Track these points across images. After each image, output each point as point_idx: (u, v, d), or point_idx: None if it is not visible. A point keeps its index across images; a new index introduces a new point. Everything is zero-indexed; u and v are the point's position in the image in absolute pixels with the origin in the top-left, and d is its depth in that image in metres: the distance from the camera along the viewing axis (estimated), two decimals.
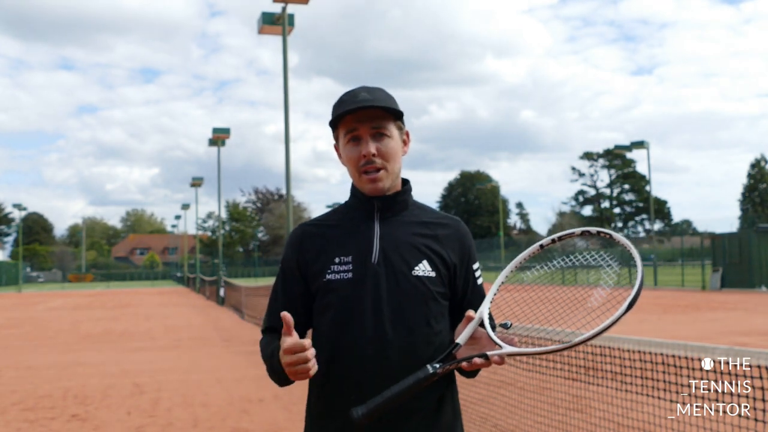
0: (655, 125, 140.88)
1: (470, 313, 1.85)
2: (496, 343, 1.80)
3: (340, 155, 2.09)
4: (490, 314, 1.90)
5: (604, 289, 1.86)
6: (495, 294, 1.94)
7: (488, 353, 1.78)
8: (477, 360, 1.78)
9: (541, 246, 1.97)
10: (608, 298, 1.84)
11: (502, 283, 1.98)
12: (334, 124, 2.03)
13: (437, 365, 1.78)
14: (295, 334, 1.80)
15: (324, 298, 1.97)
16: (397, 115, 2.02)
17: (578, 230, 1.93)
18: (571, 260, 2.01)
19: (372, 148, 1.97)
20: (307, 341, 1.79)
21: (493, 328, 1.87)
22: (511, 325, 1.86)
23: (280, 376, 1.90)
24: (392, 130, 2.02)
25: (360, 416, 1.73)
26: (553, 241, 1.95)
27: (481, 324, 1.85)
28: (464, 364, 1.79)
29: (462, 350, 1.83)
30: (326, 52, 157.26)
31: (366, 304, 1.92)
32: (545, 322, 1.99)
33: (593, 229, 1.89)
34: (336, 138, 2.08)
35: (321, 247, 2.02)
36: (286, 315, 1.79)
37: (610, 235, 1.86)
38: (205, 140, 43.15)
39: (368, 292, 1.93)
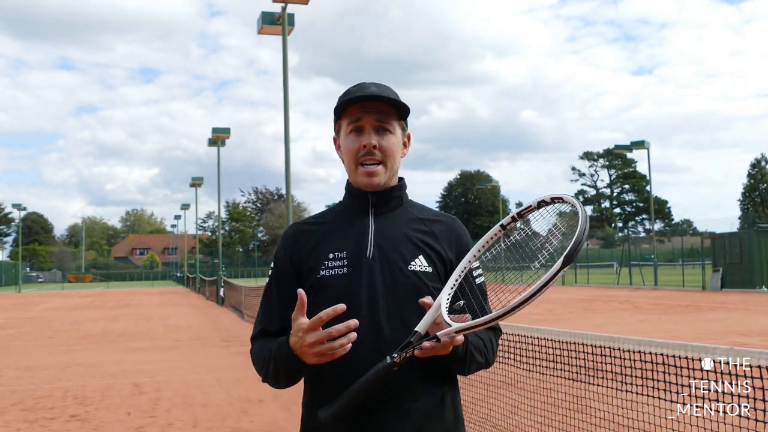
0: (656, 125, 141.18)
1: (427, 299, 1.81)
2: (448, 324, 1.76)
3: (338, 147, 2.07)
4: (455, 299, 1.86)
5: (550, 241, 1.82)
6: (456, 280, 1.89)
7: (438, 334, 1.75)
8: (426, 344, 1.75)
9: (503, 226, 1.93)
10: (552, 250, 1.79)
11: (465, 267, 1.92)
12: (339, 112, 2.00)
13: (395, 354, 1.75)
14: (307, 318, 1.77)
15: (318, 294, 1.93)
16: (403, 114, 2.01)
17: (534, 202, 1.87)
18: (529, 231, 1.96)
19: (374, 140, 1.95)
20: (341, 306, 1.73)
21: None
22: (463, 305, 1.81)
23: (288, 369, 1.86)
24: (396, 127, 2.01)
25: (325, 417, 1.71)
26: (513, 218, 1.91)
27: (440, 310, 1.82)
28: (416, 351, 1.75)
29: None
30: (326, 52, 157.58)
31: (361, 299, 1.90)
32: (497, 275, 1.99)
33: (547, 197, 1.84)
34: (337, 130, 2.06)
35: (314, 244, 2.00)
36: (301, 292, 1.76)
37: (561, 199, 1.80)
38: (204, 140, 43.08)
39: (363, 287, 1.91)
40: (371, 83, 2.02)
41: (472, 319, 1.76)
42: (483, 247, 1.95)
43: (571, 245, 1.65)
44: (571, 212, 1.77)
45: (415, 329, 1.79)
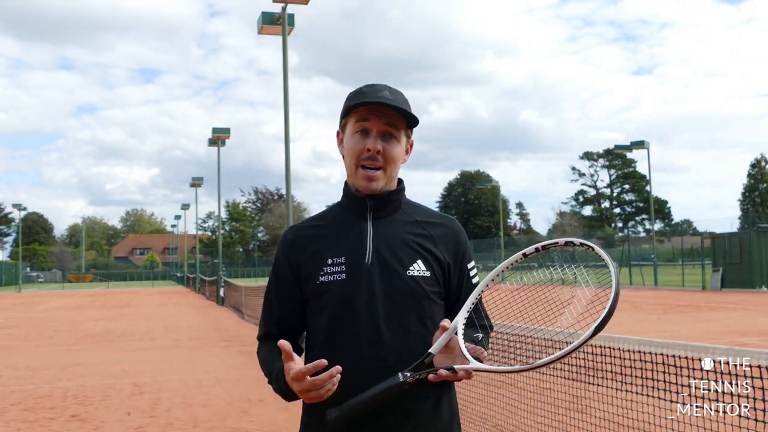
0: (656, 125, 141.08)
1: (445, 322, 1.82)
2: (465, 357, 1.79)
3: (340, 142, 2.06)
4: (471, 319, 1.90)
5: (579, 299, 1.83)
6: (473, 304, 1.92)
7: (456, 367, 1.78)
8: (443, 372, 1.77)
9: (524, 255, 1.94)
10: (582, 311, 1.81)
11: (482, 291, 1.95)
12: (348, 111, 1.99)
13: (408, 374, 1.79)
14: (297, 359, 1.79)
15: (318, 300, 1.95)
16: (411, 123, 2.00)
17: (562, 240, 1.89)
18: (552, 271, 1.99)
19: (378, 145, 1.94)
20: (322, 362, 1.74)
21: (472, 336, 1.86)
22: (481, 338, 1.85)
23: (289, 396, 1.88)
24: (401, 135, 2.00)
25: (333, 419, 1.76)
26: (537, 250, 1.92)
27: (457, 334, 1.84)
28: (431, 376, 1.78)
29: (437, 358, 1.82)
30: (326, 52, 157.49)
31: (360, 304, 1.90)
32: (523, 321, 1.99)
33: (576, 240, 1.86)
34: (343, 126, 2.05)
35: (313, 249, 2.00)
36: (284, 344, 1.77)
37: (593, 248, 1.81)
38: (204, 140, 43.14)
39: (362, 292, 1.91)
40: (384, 86, 2.00)
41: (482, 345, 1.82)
42: (502, 271, 1.96)
43: (603, 315, 1.65)
44: (598, 264, 1.81)
45: (429, 351, 1.81)
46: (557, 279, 1.96)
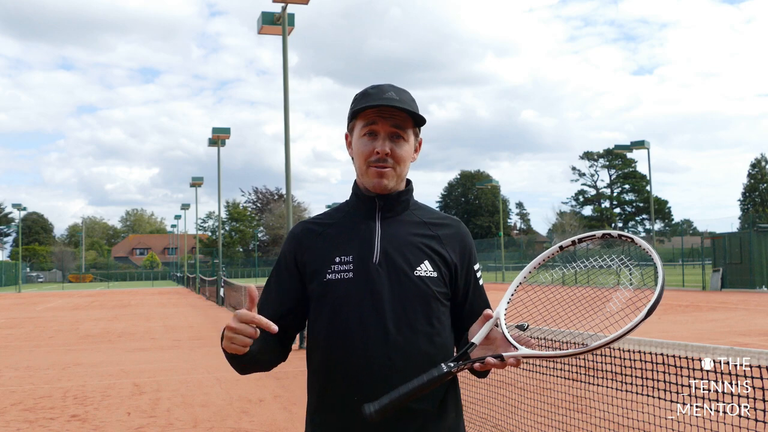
0: (656, 125, 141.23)
1: (488, 312, 1.82)
2: (512, 345, 1.77)
3: (349, 145, 2.06)
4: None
5: (623, 291, 1.84)
6: (512, 294, 1.92)
7: (504, 354, 1.76)
8: (490, 359, 1.75)
9: (561, 247, 1.94)
10: (628, 302, 1.81)
11: (520, 283, 1.95)
12: (354, 114, 1.99)
13: (452, 364, 1.76)
14: (254, 309, 1.76)
15: (324, 299, 1.95)
16: (418, 122, 2.00)
17: (599, 233, 1.89)
18: (590, 263, 1.99)
19: (387, 147, 1.95)
20: (273, 327, 1.72)
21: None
22: (527, 326, 1.82)
23: (227, 355, 1.86)
24: (410, 135, 2.00)
25: (372, 412, 1.69)
26: (573, 243, 1.93)
27: (498, 324, 1.83)
28: (477, 364, 1.76)
29: (476, 350, 1.81)
30: (326, 52, 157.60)
31: (367, 304, 1.90)
32: (563, 324, 1.96)
33: (614, 233, 1.86)
34: (350, 128, 2.05)
35: (321, 247, 2.00)
36: (251, 288, 1.76)
37: (632, 239, 1.81)
38: (204, 140, 43.17)
39: (369, 292, 1.91)
40: (389, 86, 2.00)
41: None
42: (539, 264, 1.96)
43: (655, 297, 1.66)
44: (643, 253, 1.81)
45: (472, 341, 1.81)
46: (596, 278, 1.96)
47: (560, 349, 1.77)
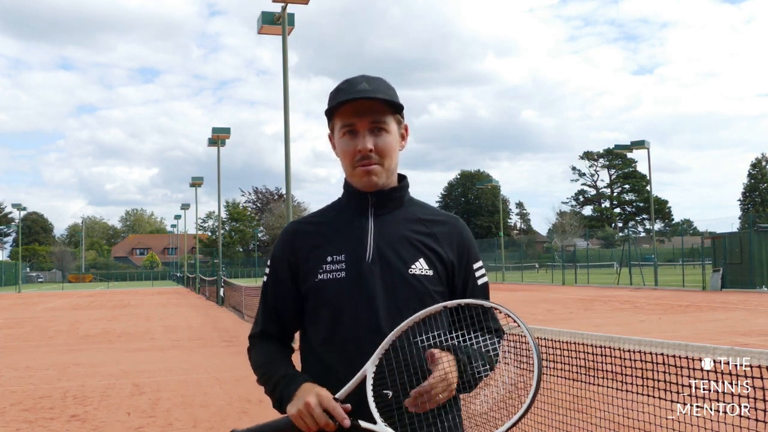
0: (656, 125, 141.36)
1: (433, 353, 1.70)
2: (372, 416, 1.68)
3: (334, 146, 1.99)
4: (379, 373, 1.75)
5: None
6: (385, 349, 1.74)
7: (361, 423, 1.68)
8: (344, 420, 1.68)
9: (445, 307, 1.76)
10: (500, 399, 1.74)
11: (392, 340, 1.75)
12: (330, 114, 1.92)
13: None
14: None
15: (316, 299, 1.89)
16: (396, 109, 1.93)
17: (487, 303, 1.75)
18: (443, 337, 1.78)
19: (369, 143, 1.86)
20: (347, 407, 1.69)
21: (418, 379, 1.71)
22: (391, 396, 1.72)
23: (281, 406, 1.86)
24: (391, 124, 1.91)
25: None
26: (460, 306, 1.77)
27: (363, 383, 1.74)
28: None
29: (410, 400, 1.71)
30: (326, 52, 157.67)
31: (360, 304, 1.83)
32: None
33: (504, 310, 1.69)
34: (331, 128, 1.98)
35: (313, 245, 1.93)
36: (338, 410, 1.69)
37: (515, 320, 1.65)
38: (204, 140, 43.18)
39: (362, 291, 1.84)
40: (361, 78, 1.91)
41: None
42: (420, 318, 1.75)
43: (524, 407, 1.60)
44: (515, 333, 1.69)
45: (336, 396, 1.72)
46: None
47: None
